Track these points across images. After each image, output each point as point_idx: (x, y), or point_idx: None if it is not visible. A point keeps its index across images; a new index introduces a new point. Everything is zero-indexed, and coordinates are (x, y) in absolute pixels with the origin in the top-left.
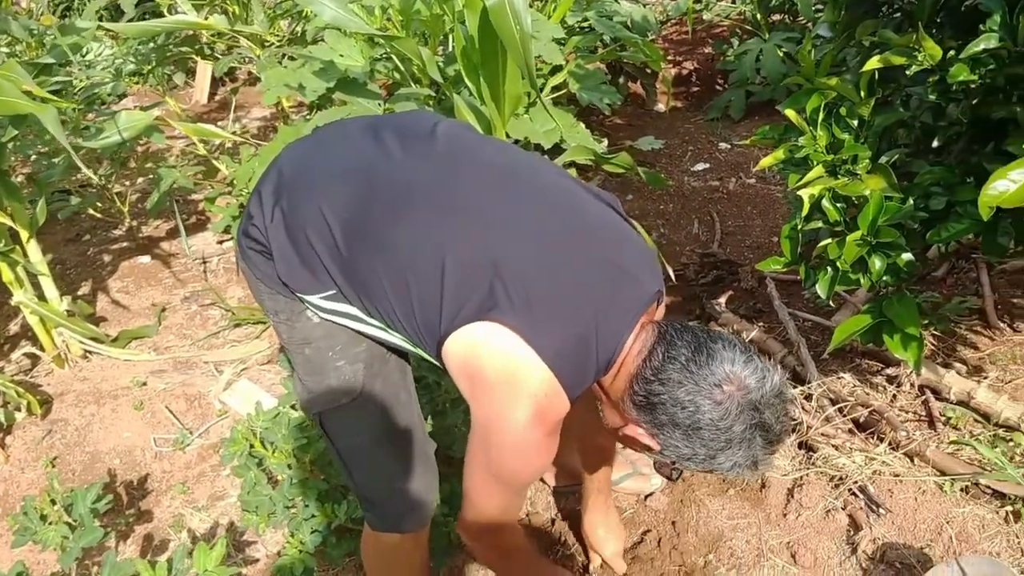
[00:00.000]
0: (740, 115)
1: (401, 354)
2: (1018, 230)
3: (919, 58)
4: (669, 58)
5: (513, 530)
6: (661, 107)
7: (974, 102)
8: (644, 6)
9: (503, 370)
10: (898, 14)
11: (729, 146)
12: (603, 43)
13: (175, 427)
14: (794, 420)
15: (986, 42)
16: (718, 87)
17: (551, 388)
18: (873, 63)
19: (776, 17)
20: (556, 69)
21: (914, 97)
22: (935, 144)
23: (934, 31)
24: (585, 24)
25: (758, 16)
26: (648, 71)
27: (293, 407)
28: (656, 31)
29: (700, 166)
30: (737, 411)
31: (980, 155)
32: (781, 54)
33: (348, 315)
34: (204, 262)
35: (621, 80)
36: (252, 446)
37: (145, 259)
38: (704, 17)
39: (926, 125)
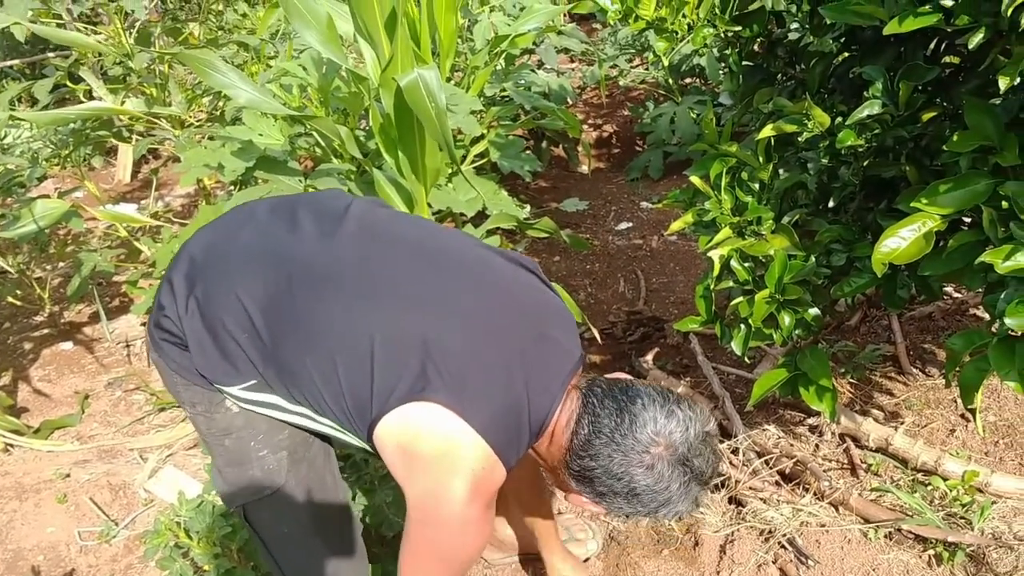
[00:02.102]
0: (659, 174)
1: (324, 436)
2: (917, 282)
3: (809, 125)
4: (590, 122)
5: None
6: (584, 169)
7: (865, 163)
8: (561, 75)
9: (440, 447)
10: (791, 82)
11: (650, 205)
12: (524, 111)
13: (100, 519)
14: (722, 475)
15: (870, 108)
16: (638, 148)
17: (488, 461)
18: (767, 131)
19: (688, 81)
20: (478, 138)
21: (809, 161)
22: (831, 204)
23: (826, 96)
24: (505, 94)
25: (670, 81)
26: (569, 135)
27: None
28: (575, 98)
29: (624, 225)
30: (669, 472)
31: (875, 212)
32: (693, 116)
33: (270, 404)
34: (127, 346)
35: (544, 144)
36: (177, 537)
37: (67, 345)
38: (620, 83)
39: (823, 185)
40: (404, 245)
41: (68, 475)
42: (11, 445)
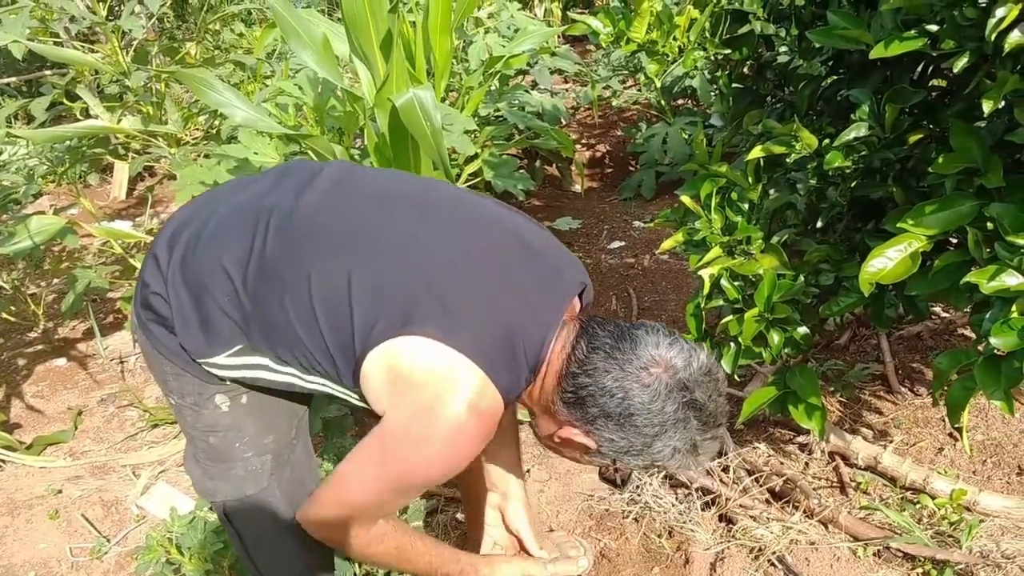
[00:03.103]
0: (651, 194)
1: (305, 432)
2: (904, 302)
3: (797, 147)
4: (583, 141)
5: (373, 522)
6: (577, 188)
7: (853, 184)
8: (555, 95)
9: (431, 373)
10: (780, 104)
11: (643, 224)
12: (518, 130)
13: (92, 535)
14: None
15: (856, 131)
16: (630, 168)
17: (483, 385)
18: (756, 152)
19: (679, 102)
20: (472, 158)
21: (798, 182)
22: (819, 224)
23: (815, 118)
24: (499, 114)
25: (662, 102)
26: (562, 155)
27: (210, 509)
28: (568, 118)
29: (616, 244)
30: (666, 392)
31: (863, 233)
32: (685, 137)
33: (258, 366)
34: (121, 362)
35: (537, 164)
36: (168, 553)
37: (61, 361)
38: (614, 103)
39: (811, 206)
40: (384, 191)
41: (60, 491)
42: (3, 461)
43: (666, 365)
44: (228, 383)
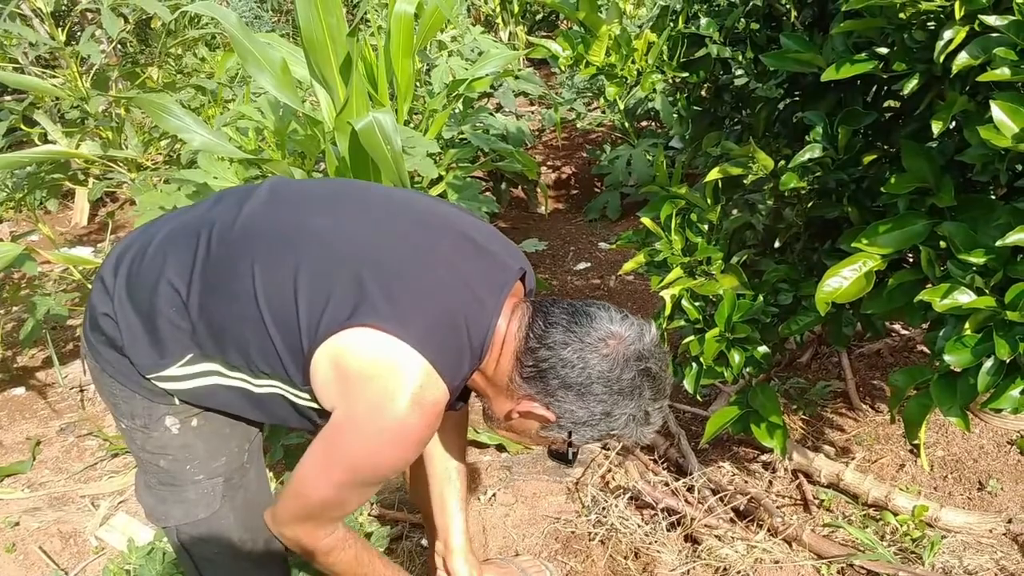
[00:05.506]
0: (617, 215)
1: (259, 459)
2: (861, 320)
3: (754, 168)
4: (548, 163)
5: (336, 526)
6: (543, 210)
7: (809, 205)
8: (519, 118)
9: (376, 365)
10: (738, 126)
11: (608, 245)
12: (482, 153)
13: (50, 568)
14: (677, 512)
15: (811, 152)
16: (596, 189)
17: (427, 376)
18: (714, 174)
19: (643, 124)
20: (436, 180)
21: (756, 203)
22: (777, 244)
23: (772, 140)
24: (463, 137)
25: (626, 124)
26: (527, 177)
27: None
28: (532, 140)
29: (582, 265)
30: (623, 361)
31: (820, 252)
32: (648, 158)
33: (210, 372)
34: (81, 390)
35: (503, 186)
36: None
37: (19, 391)
38: (578, 125)
39: (769, 226)
40: (324, 193)
41: (17, 523)
42: None
43: (620, 338)
44: (178, 404)
